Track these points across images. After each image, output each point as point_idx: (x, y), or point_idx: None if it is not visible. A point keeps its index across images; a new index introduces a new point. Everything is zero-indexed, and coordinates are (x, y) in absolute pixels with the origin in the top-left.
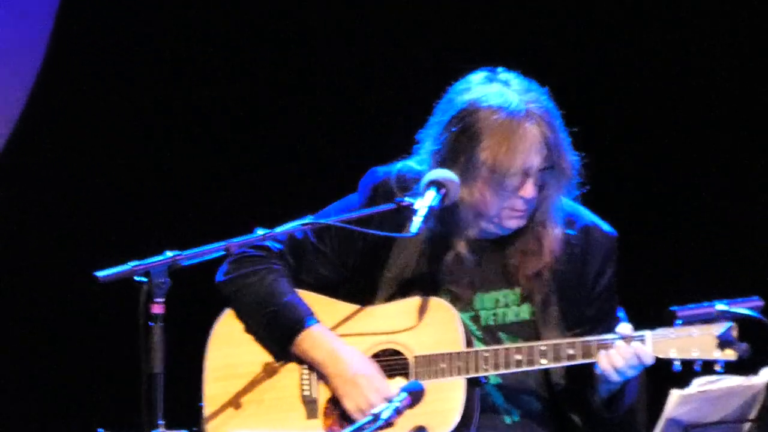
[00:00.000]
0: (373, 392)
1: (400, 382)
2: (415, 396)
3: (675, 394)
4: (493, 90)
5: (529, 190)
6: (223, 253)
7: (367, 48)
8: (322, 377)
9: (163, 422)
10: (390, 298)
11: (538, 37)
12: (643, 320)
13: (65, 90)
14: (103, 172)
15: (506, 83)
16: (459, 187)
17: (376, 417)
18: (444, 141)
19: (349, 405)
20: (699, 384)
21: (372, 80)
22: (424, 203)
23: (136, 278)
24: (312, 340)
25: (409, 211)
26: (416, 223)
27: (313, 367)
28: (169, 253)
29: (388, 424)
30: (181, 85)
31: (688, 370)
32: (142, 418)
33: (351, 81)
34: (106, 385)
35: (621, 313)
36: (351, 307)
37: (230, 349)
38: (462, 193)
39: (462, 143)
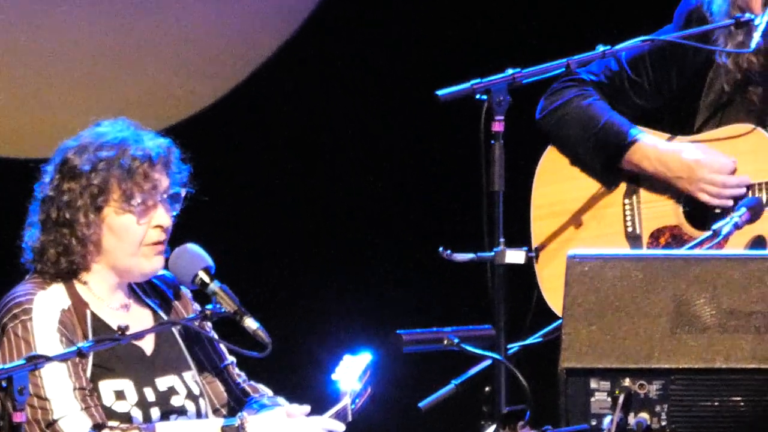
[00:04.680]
0: (715, 174)
1: None
2: (754, 211)
3: None
4: None
5: None
6: (563, 70)
7: None
8: (664, 188)
9: (504, 240)
10: (705, 124)
11: None
12: None
13: None
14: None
15: None
16: None
17: (716, 232)
18: None
19: (704, 197)
20: None
21: None
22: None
23: (477, 96)
24: (640, 151)
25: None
26: (755, 38)
27: (636, 201)
28: (509, 71)
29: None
30: None
31: None
32: (483, 235)
33: None
34: (447, 203)
35: None
36: (664, 138)
37: (554, 186)
38: None
39: None
